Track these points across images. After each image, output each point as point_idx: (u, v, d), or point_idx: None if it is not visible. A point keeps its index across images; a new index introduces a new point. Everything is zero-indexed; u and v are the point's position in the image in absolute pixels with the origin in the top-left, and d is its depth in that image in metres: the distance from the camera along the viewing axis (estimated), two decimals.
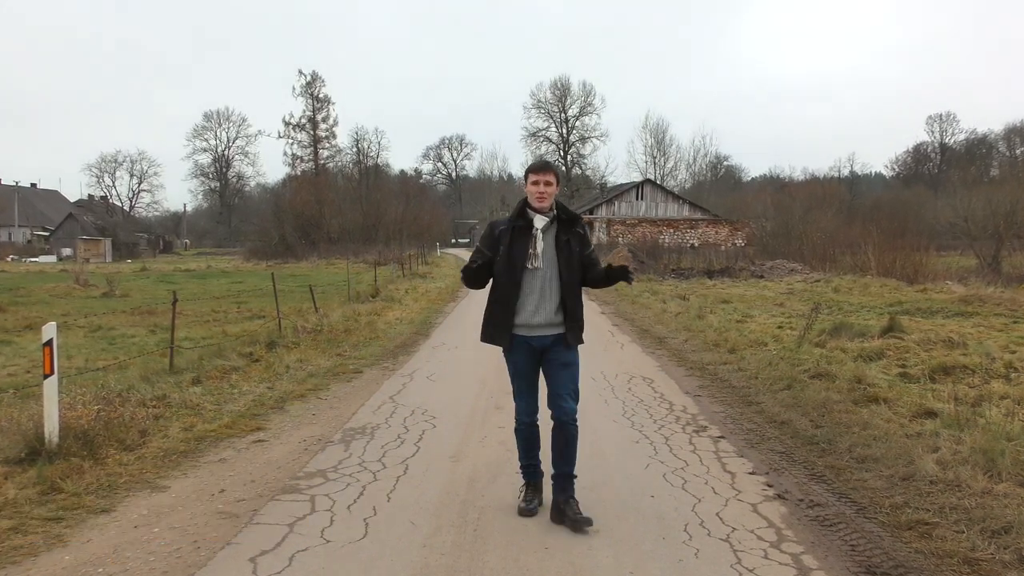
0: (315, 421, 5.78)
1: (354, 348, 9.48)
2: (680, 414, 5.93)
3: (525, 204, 3.66)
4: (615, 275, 3.59)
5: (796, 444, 5.03)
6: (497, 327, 3.64)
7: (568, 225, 3.65)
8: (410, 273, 25.65)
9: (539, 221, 3.59)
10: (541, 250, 3.56)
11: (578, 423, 3.67)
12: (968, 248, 26.85)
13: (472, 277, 3.60)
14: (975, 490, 3.86)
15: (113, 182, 79.43)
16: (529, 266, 3.55)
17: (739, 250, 33.85)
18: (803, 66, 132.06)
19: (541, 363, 3.70)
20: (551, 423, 3.69)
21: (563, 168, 63.00)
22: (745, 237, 41.58)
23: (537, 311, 3.59)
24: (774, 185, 58.52)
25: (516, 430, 3.82)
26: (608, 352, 9.06)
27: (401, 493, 4.06)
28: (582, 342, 3.70)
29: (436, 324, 12.49)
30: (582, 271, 3.68)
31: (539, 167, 3.64)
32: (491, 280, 3.71)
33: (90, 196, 74.71)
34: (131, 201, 78.58)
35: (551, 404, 3.66)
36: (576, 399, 3.67)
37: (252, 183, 79.55)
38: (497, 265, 3.59)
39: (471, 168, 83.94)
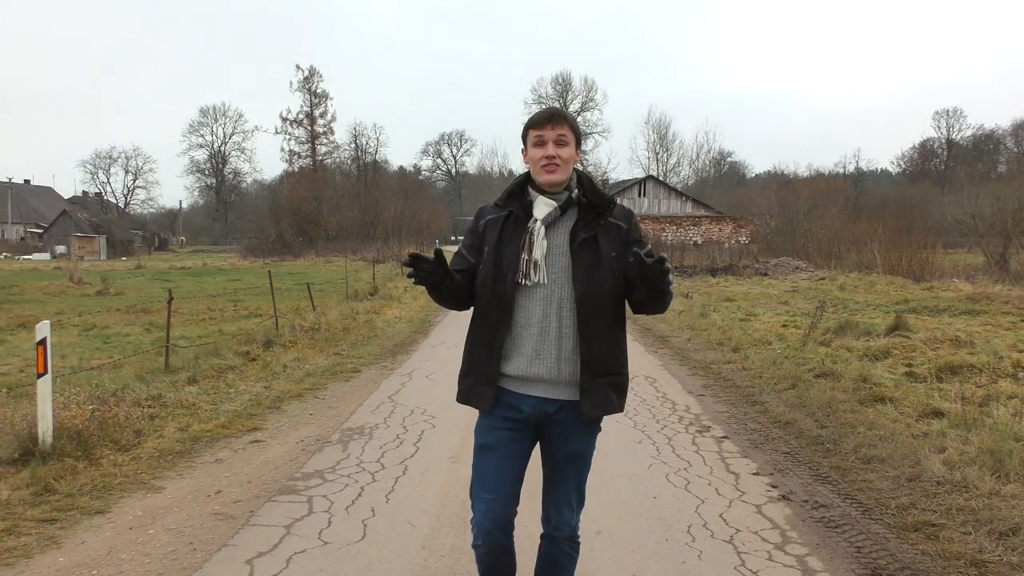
0: (313, 421, 5.74)
1: (352, 347, 9.43)
2: (683, 414, 5.89)
3: (526, 181, 2.30)
4: (647, 273, 2.05)
5: (801, 444, 4.99)
6: (474, 376, 2.28)
7: (594, 214, 2.26)
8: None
9: (540, 207, 2.22)
10: (542, 254, 2.18)
11: (579, 539, 2.42)
12: (975, 245, 26.74)
13: (442, 292, 2.22)
14: (982, 491, 3.83)
15: (108, 178, 79.55)
16: (521, 280, 2.18)
17: (743, 247, 33.83)
18: (807, 61, 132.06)
19: (540, 443, 2.34)
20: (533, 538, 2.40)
21: None
22: (749, 234, 41.51)
23: (537, 355, 2.20)
24: (778, 182, 58.30)
25: (474, 546, 2.30)
26: None
27: (400, 494, 4.02)
28: (617, 411, 2.28)
29: (435, 322, 12.44)
30: (625, 288, 2.24)
31: (545, 117, 2.23)
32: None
33: (84, 193, 74.56)
34: (126, 198, 78.53)
35: (543, 513, 2.38)
36: (580, 505, 2.40)
37: (249, 180, 79.34)
38: (480, 275, 2.26)
39: (471, 164, 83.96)
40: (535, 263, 2.20)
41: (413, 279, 2.13)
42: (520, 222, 2.25)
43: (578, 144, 2.29)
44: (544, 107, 2.41)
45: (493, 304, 2.24)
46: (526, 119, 2.34)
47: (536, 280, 2.20)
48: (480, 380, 2.28)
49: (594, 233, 2.24)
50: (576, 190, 2.29)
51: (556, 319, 2.21)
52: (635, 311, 2.29)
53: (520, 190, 2.32)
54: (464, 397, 2.33)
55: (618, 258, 2.23)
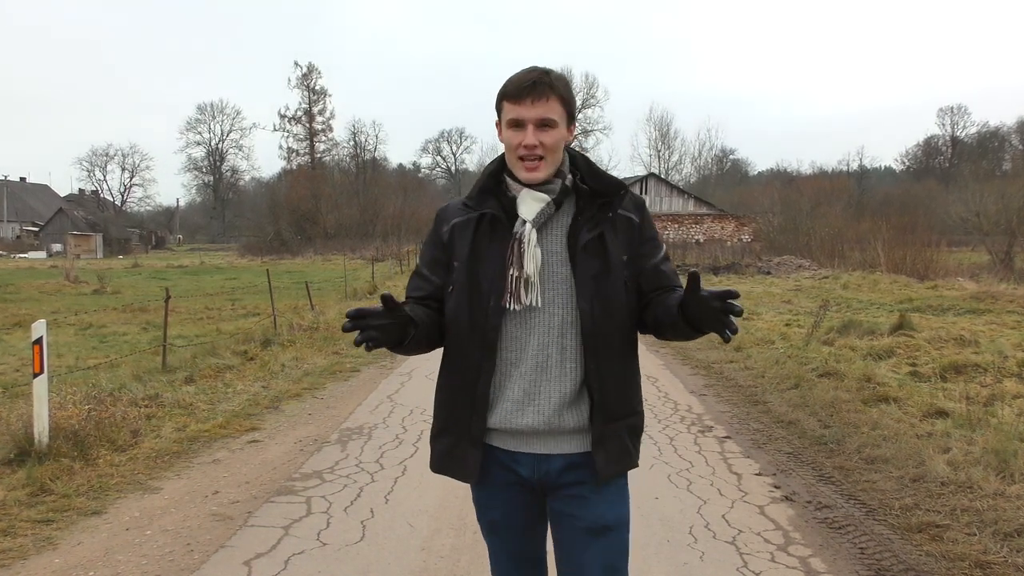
0: (311, 421, 5.71)
1: (351, 346, 9.28)
2: (685, 414, 5.86)
3: (500, 169, 1.73)
4: (702, 311, 1.52)
5: (804, 444, 4.97)
6: (452, 435, 1.74)
7: (598, 204, 1.70)
8: (408, 269, 25.60)
9: (528, 204, 1.67)
10: (537, 267, 1.64)
11: None
12: (980, 244, 26.72)
13: (409, 346, 1.66)
14: (987, 492, 3.81)
15: (104, 176, 79.18)
16: (508, 304, 1.64)
17: (745, 246, 33.75)
18: (810, 58, 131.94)
19: (548, 514, 1.78)
20: None
21: None
22: (752, 233, 41.35)
23: (530, 400, 1.67)
24: (781, 179, 58.10)
25: None
26: None
27: (399, 495, 4.00)
28: (634, 466, 1.77)
29: None
30: (637, 303, 1.74)
31: (523, 87, 1.61)
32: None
33: (81, 190, 73.92)
34: (123, 196, 77.82)
35: None
36: None
37: (247, 177, 78.81)
38: (451, 300, 1.72)
39: (471, 162, 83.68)
40: (527, 280, 1.62)
41: (365, 345, 1.50)
42: (499, 225, 1.67)
43: (571, 119, 1.68)
44: (525, 69, 1.66)
45: (471, 338, 1.67)
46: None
47: (529, 302, 1.64)
48: (462, 441, 1.70)
49: (600, 231, 1.66)
50: (570, 176, 1.70)
51: (557, 351, 1.65)
52: (655, 335, 1.75)
53: (496, 183, 1.71)
54: (440, 465, 1.76)
55: (630, 262, 1.69)
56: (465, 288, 1.69)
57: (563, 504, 1.72)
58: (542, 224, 1.67)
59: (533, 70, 1.65)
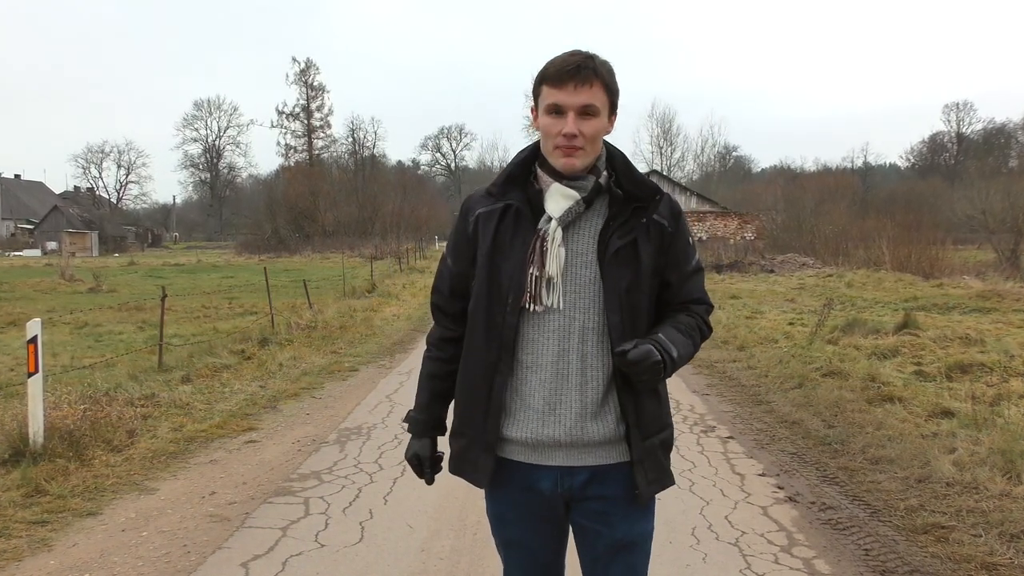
0: (309, 421, 5.68)
1: (350, 345, 9.37)
2: (687, 413, 5.83)
3: (533, 159, 1.64)
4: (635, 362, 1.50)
5: (808, 445, 4.93)
6: (467, 437, 1.69)
7: (634, 208, 1.61)
8: (407, 267, 25.59)
9: (556, 199, 1.58)
10: (560, 268, 1.57)
11: None
12: (986, 242, 26.69)
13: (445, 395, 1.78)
14: (993, 492, 3.78)
15: (100, 173, 78.06)
16: (528, 304, 1.58)
17: (748, 244, 33.66)
18: (815, 53, 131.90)
19: (571, 527, 1.73)
20: None
21: None
22: (755, 230, 41.27)
23: (552, 411, 1.60)
24: (785, 176, 57.63)
25: None
26: None
27: (398, 496, 3.97)
28: (671, 483, 1.69)
29: None
30: (655, 315, 1.67)
31: (567, 72, 1.52)
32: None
33: (76, 188, 73.49)
34: (118, 193, 77.01)
35: None
36: None
37: (244, 174, 78.19)
38: (472, 300, 1.68)
39: (471, 159, 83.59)
40: (549, 281, 1.56)
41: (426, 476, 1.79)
42: (523, 220, 1.59)
43: (613, 109, 1.58)
44: (567, 52, 1.56)
45: (488, 338, 1.61)
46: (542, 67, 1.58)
47: (549, 305, 1.57)
48: (475, 444, 1.65)
49: (633, 238, 1.58)
50: (605, 172, 1.60)
51: (578, 358, 1.58)
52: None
53: (524, 173, 1.62)
54: (456, 466, 1.72)
55: (657, 272, 1.62)
56: (484, 284, 1.62)
57: (586, 519, 1.66)
58: (569, 222, 1.59)
59: (576, 53, 1.55)
